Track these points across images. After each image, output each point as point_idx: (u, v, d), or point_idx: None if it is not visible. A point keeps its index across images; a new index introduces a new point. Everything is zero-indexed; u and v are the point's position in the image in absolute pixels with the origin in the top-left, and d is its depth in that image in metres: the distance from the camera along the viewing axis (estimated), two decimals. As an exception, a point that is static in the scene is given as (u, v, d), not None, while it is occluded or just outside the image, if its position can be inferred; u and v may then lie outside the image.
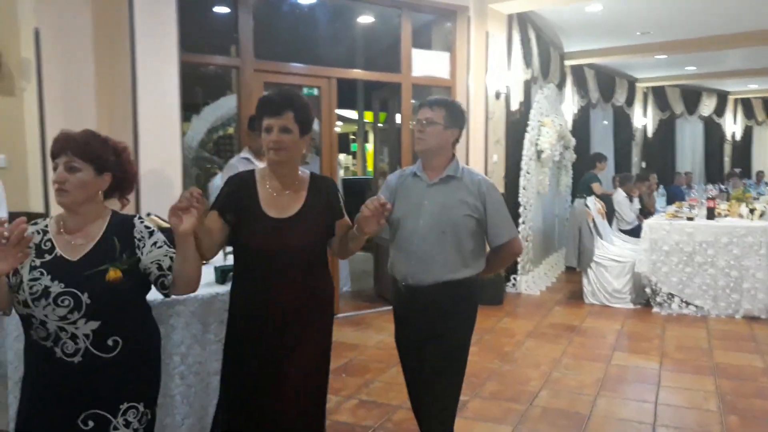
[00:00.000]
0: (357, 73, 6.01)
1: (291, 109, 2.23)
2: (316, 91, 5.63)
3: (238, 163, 4.17)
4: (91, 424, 1.82)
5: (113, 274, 1.79)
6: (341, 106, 7.53)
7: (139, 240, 1.89)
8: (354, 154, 15.92)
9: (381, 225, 2.25)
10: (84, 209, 1.86)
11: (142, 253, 1.87)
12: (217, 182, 4.37)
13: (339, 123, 13.75)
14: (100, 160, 1.85)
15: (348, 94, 11.18)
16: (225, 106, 6.40)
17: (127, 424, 1.85)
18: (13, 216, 2.90)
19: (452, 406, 2.55)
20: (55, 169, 1.83)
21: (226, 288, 2.76)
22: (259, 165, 4.16)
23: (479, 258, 2.58)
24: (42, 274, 1.78)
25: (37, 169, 3.84)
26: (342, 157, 13.53)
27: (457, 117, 2.56)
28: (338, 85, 5.59)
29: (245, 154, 4.22)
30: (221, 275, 2.84)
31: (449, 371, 2.52)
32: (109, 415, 1.83)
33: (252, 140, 4.17)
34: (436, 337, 2.51)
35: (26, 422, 1.84)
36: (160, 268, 1.89)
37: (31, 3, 3.82)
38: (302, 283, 2.27)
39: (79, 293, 1.75)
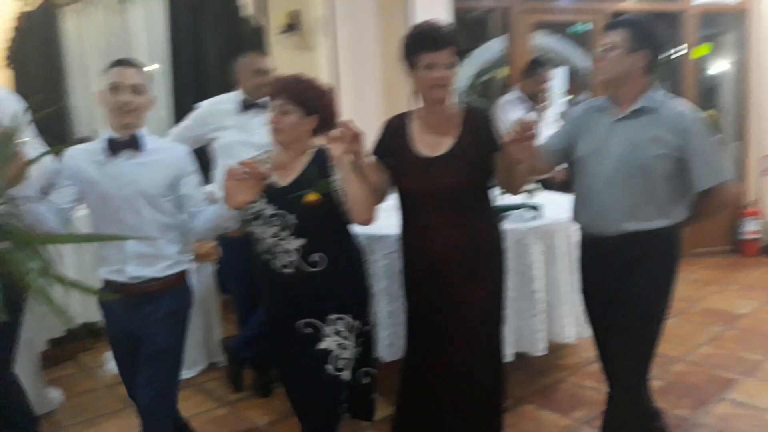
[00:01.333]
0: (632, 5, 5.59)
1: (452, 42, 2.11)
2: (590, 26, 5.40)
3: (507, 103, 4.23)
4: (309, 329, 2.14)
5: (311, 197, 2.06)
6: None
7: (334, 167, 2.10)
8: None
9: (531, 151, 1.98)
10: (294, 146, 2.16)
11: (335, 180, 2.10)
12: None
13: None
14: (309, 104, 2.12)
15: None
16: (491, 49, 6.46)
17: (337, 333, 2.13)
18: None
19: (636, 369, 2.21)
20: (272, 110, 2.13)
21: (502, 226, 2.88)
22: (531, 105, 4.19)
23: (678, 205, 2.18)
24: (259, 198, 2.10)
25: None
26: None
27: (644, 37, 2.12)
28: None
29: (516, 93, 4.26)
30: (497, 212, 2.95)
31: (635, 339, 2.19)
32: (320, 323, 2.13)
33: (526, 83, 4.21)
34: (621, 298, 2.18)
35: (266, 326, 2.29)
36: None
37: (327, -35, 4.23)
38: (460, 227, 2.17)
39: (287, 214, 2.08)
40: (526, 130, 1.94)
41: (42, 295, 0.95)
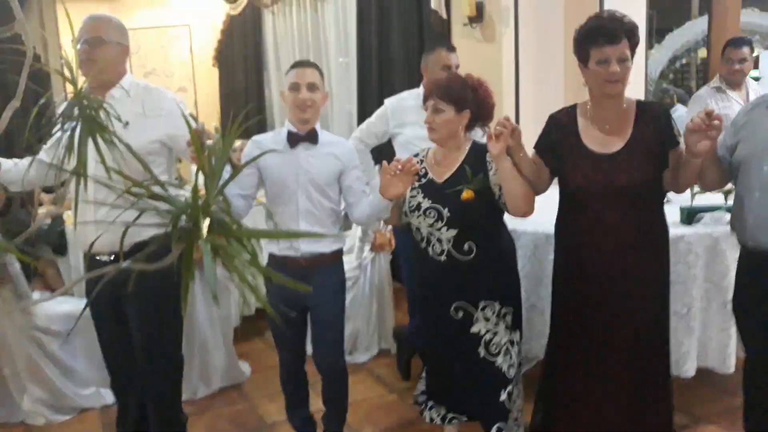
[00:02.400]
0: None
1: (626, 34, 2.00)
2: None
3: (707, 95, 3.87)
4: (460, 314, 2.28)
5: (466, 194, 2.16)
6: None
7: (490, 162, 2.20)
8: None
9: (711, 141, 1.87)
10: (450, 143, 2.27)
11: (490, 175, 2.19)
12: (679, 113, 4.14)
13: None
14: (460, 101, 2.20)
15: None
16: (691, 31, 5.93)
17: (487, 319, 2.27)
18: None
19: None
20: (426, 110, 2.26)
21: (693, 229, 2.67)
22: (732, 95, 3.80)
23: None
24: (417, 192, 2.29)
25: (511, 107, 4.26)
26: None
27: None
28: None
29: (716, 83, 3.88)
30: (687, 216, 2.74)
31: None
32: (472, 307, 2.26)
33: (724, 68, 3.81)
34: None
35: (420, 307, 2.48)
36: (500, 188, 2.17)
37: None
38: (632, 228, 2.10)
39: (441, 208, 2.21)
40: (711, 121, 1.84)
41: (248, 284, 1.06)
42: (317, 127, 2.37)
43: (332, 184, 2.37)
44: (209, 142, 1.91)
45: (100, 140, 1.19)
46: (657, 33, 6.15)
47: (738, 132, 2.08)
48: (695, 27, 5.72)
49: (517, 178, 2.11)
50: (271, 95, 6.43)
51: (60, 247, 3.57)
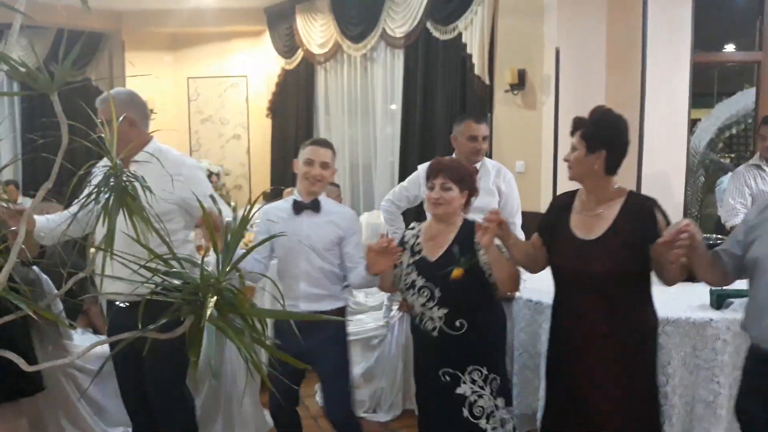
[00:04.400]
0: None
1: (580, 127, 2.15)
2: None
3: (744, 172, 3.81)
4: (447, 378, 2.35)
5: (455, 273, 2.24)
6: None
7: (477, 244, 2.26)
8: None
9: (680, 257, 1.89)
10: (448, 219, 2.38)
11: (479, 255, 2.28)
12: (723, 187, 4.08)
13: None
14: (463, 182, 2.35)
15: None
16: (741, 102, 5.85)
17: (473, 382, 2.34)
18: (525, 215, 3.36)
19: None
20: (431, 188, 2.37)
21: (721, 315, 2.63)
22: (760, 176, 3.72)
23: None
24: (412, 270, 2.39)
25: (549, 174, 4.30)
26: None
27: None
28: None
29: (756, 160, 3.82)
30: (717, 299, 2.70)
31: None
32: (458, 373, 2.34)
33: (761, 145, 3.74)
34: None
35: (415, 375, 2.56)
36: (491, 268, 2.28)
37: (555, 25, 4.26)
38: (603, 316, 2.11)
39: (434, 287, 2.32)
40: (680, 235, 1.84)
41: (253, 360, 1.17)
42: (321, 197, 2.57)
43: (332, 249, 2.53)
44: (226, 218, 2.06)
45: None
46: (706, 103, 6.10)
47: (751, 231, 2.01)
48: (746, 98, 5.64)
49: (504, 264, 2.24)
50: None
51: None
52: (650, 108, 4.25)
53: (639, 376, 2.16)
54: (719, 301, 2.67)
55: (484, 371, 2.35)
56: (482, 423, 2.33)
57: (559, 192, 4.23)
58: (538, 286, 3.04)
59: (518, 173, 4.12)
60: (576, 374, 2.19)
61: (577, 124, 2.16)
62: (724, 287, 2.67)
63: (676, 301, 2.77)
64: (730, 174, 4.03)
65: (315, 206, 2.55)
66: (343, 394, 2.59)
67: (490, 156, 3.98)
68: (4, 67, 1.01)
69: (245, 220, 1.33)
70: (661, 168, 4.29)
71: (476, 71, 4.63)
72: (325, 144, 2.60)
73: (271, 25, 6.95)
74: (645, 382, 2.18)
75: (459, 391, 2.34)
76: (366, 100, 6.00)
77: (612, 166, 2.12)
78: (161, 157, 2.35)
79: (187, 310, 1.29)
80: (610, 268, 2.08)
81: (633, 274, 2.12)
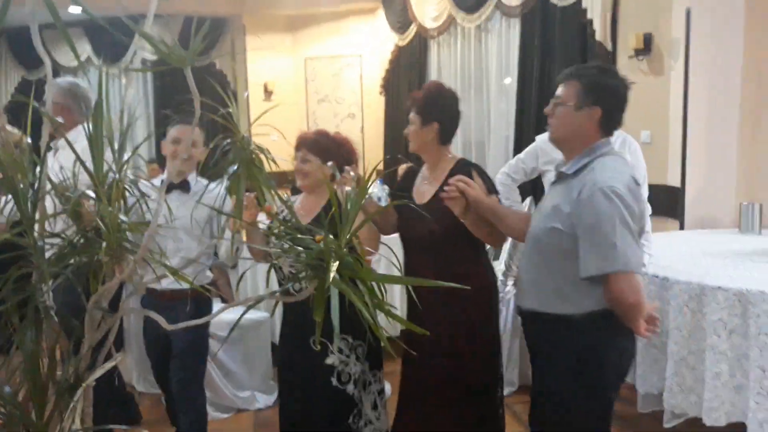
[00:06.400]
0: None
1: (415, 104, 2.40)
2: None
3: None
4: (318, 347, 2.24)
5: (319, 237, 2.10)
6: None
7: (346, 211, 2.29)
8: None
9: (461, 209, 2.13)
10: (313, 189, 2.49)
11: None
12: None
13: None
14: (327, 153, 2.43)
15: None
16: None
17: (340, 350, 2.43)
18: (651, 188, 3.18)
19: None
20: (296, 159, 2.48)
21: None
22: None
23: (586, 290, 1.85)
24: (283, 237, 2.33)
25: (677, 145, 4.03)
26: None
27: (598, 91, 1.89)
28: None
29: None
30: None
31: None
32: (327, 341, 2.36)
33: None
34: (537, 386, 2.10)
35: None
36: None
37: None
38: (436, 272, 2.25)
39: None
40: (454, 188, 2.09)
41: (374, 320, 1.24)
42: (191, 176, 2.63)
43: (202, 228, 2.60)
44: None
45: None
46: None
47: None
48: None
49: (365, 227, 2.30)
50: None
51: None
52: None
53: (477, 332, 2.39)
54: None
55: (350, 339, 2.45)
56: (349, 388, 2.44)
57: (690, 164, 3.98)
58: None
59: (643, 143, 3.88)
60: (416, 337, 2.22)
61: (413, 100, 2.40)
62: None
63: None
64: None
65: (184, 186, 2.61)
66: (186, 370, 2.65)
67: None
68: (142, 52, 1.09)
69: (363, 191, 1.36)
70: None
71: (597, 37, 4.41)
72: (190, 122, 2.63)
73: (385, 0, 6.97)
74: (482, 337, 2.41)
75: (329, 361, 2.41)
76: (480, 72, 5.88)
77: (445, 137, 2.39)
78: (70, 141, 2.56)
79: (310, 275, 1.35)
80: (436, 229, 2.27)
81: (458, 235, 2.29)
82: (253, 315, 3.40)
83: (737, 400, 2.49)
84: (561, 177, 1.98)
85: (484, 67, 5.83)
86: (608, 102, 1.91)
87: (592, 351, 1.89)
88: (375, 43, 7.23)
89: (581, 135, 1.92)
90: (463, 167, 2.37)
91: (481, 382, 2.46)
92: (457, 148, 6.06)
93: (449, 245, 2.31)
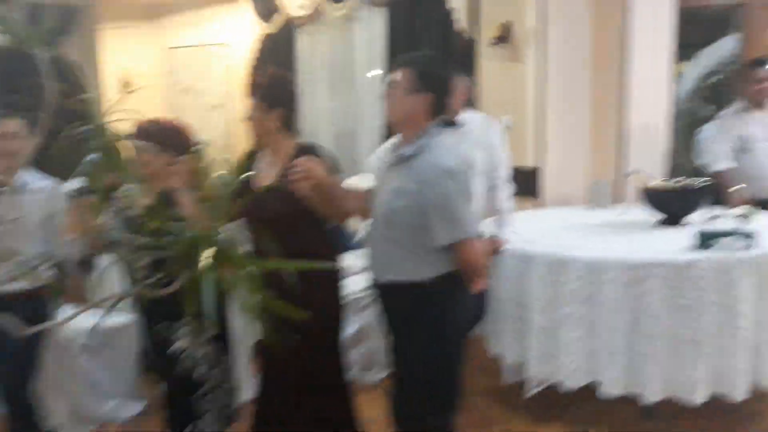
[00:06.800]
0: None
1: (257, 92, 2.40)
2: None
3: (730, 116, 3.80)
4: (167, 331, 2.38)
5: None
6: None
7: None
8: None
9: (305, 190, 2.17)
10: (154, 182, 2.35)
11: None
12: (707, 134, 4.03)
13: None
14: (159, 142, 2.33)
15: None
16: (724, 48, 5.78)
17: (185, 334, 2.36)
18: (514, 170, 3.33)
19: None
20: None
21: (705, 255, 2.65)
22: (757, 116, 3.71)
23: (435, 257, 2.11)
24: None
25: (536, 129, 4.25)
26: None
27: (429, 79, 2.10)
28: None
29: (739, 105, 3.80)
30: (702, 240, 2.71)
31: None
32: (175, 324, 2.35)
33: (746, 87, 3.75)
34: (396, 352, 2.27)
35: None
36: None
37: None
38: (279, 254, 2.27)
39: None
40: (301, 170, 2.13)
41: (252, 309, 1.17)
42: (22, 175, 2.54)
43: (39, 228, 2.55)
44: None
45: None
46: (689, 51, 6.02)
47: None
48: (728, 44, 5.57)
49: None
50: (306, 113, 6.53)
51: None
52: (633, 57, 4.20)
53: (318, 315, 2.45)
54: (704, 241, 2.68)
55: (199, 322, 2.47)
56: (197, 372, 2.43)
57: (549, 147, 4.21)
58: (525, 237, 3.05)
59: (505, 128, 4.05)
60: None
61: (254, 88, 2.40)
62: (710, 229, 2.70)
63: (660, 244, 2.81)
64: (712, 122, 4.01)
65: (15, 186, 2.53)
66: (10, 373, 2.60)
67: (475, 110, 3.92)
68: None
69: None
70: (645, 117, 4.25)
71: (460, 26, 4.56)
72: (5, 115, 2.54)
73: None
74: (321, 321, 2.37)
75: (177, 344, 2.41)
76: (348, 63, 5.88)
77: (288, 122, 2.40)
78: None
79: (181, 265, 1.27)
80: (275, 211, 2.29)
81: (302, 216, 2.34)
82: (116, 318, 3.19)
83: (592, 363, 2.68)
84: (401, 159, 2.14)
85: (352, 57, 5.83)
86: (437, 89, 2.12)
87: (442, 307, 2.16)
88: (242, 32, 7.02)
89: (413, 118, 2.12)
90: (307, 149, 2.41)
91: (320, 367, 2.51)
92: (328, 138, 6.05)
93: (293, 226, 2.35)
